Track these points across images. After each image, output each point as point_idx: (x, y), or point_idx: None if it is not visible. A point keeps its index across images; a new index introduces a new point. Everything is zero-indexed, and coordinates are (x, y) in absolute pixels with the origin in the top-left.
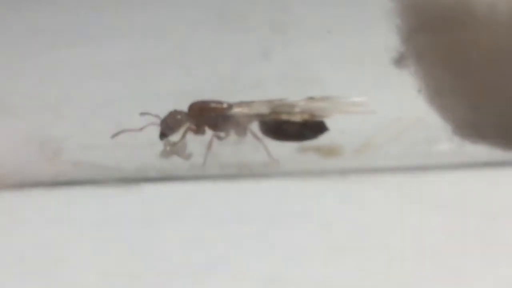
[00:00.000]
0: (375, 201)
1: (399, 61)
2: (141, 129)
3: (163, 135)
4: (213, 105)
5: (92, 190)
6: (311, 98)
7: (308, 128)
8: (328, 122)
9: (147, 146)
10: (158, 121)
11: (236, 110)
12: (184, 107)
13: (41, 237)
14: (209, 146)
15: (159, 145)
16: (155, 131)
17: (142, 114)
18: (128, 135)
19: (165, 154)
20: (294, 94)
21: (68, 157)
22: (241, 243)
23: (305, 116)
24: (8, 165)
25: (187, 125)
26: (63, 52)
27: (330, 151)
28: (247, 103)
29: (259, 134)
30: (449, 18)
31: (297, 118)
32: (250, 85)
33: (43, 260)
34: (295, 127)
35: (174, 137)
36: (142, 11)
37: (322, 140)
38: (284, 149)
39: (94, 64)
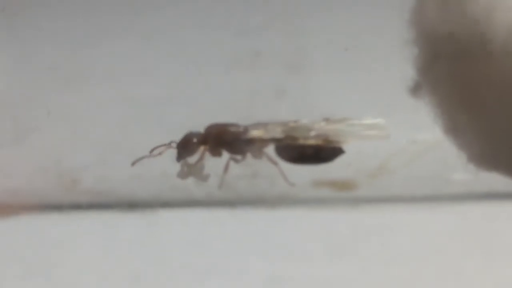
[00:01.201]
0: (389, 232)
1: (415, 90)
2: (160, 153)
3: (180, 157)
4: (229, 128)
5: (108, 216)
6: (326, 119)
7: (325, 152)
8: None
9: (162, 174)
10: (174, 144)
11: (252, 133)
12: None
13: (59, 261)
14: (226, 168)
15: (174, 172)
16: (170, 159)
17: (157, 148)
18: (143, 164)
19: (182, 175)
20: None
21: (85, 186)
22: (252, 272)
23: (320, 141)
24: (26, 192)
25: (203, 147)
26: (81, 85)
27: (344, 186)
28: (263, 125)
29: (275, 157)
30: (465, 50)
31: (312, 142)
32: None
33: (58, 283)
34: (311, 150)
35: (192, 159)
36: (157, 48)
37: (334, 167)
38: (298, 182)
39: (111, 98)
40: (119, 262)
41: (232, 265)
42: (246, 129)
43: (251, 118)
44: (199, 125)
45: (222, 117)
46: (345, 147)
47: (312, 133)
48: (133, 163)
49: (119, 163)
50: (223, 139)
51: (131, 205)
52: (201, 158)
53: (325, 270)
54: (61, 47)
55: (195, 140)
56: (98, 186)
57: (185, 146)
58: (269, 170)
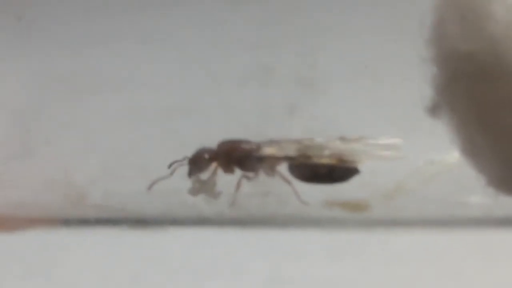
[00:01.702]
0: (402, 255)
1: (433, 110)
2: (171, 174)
3: (191, 173)
4: (242, 145)
5: (115, 231)
6: (341, 138)
7: (339, 171)
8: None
9: (172, 190)
10: (185, 160)
11: (265, 150)
12: None
13: (64, 277)
14: (238, 186)
15: (185, 188)
16: (181, 175)
17: (171, 164)
18: (151, 180)
19: (194, 191)
20: None
21: (92, 202)
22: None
23: (334, 161)
24: (33, 206)
25: (215, 163)
26: (89, 95)
27: (357, 207)
28: (277, 142)
29: (288, 175)
30: (484, 70)
31: (326, 161)
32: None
33: None
34: (326, 170)
35: (204, 175)
36: (170, 60)
37: (348, 187)
38: (310, 201)
39: (120, 110)
40: (125, 280)
41: (239, 285)
42: (259, 146)
43: (262, 134)
44: (210, 139)
45: (234, 132)
46: (360, 166)
47: (326, 152)
48: (149, 188)
49: (128, 178)
50: (235, 156)
51: (139, 221)
52: (213, 175)
53: None
54: (73, 60)
55: (207, 156)
56: (106, 200)
57: (197, 162)
58: (281, 189)
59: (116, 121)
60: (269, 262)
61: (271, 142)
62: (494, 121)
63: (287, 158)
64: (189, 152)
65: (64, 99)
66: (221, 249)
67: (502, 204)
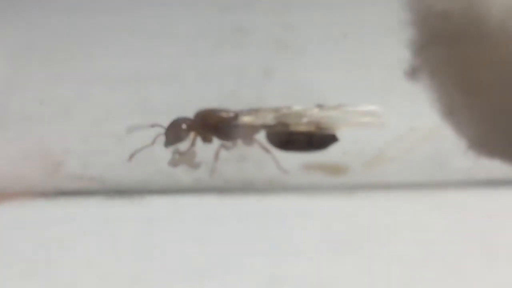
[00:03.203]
0: (385, 220)
1: (412, 74)
2: (152, 143)
3: (169, 143)
4: (219, 113)
5: (93, 202)
6: (319, 106)
7: (317, 139)
8: (339, 135)
9: (150, 159)
10: (162, 130)
11: (243, 119)
12: None
13: (42, 247)
14: (216, 155)
15: (162, 157)
16: (158, 144)
17: (153, 126)
18: (130, 149)
19: (174, 162)
20: None
21: (68, 171)
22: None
23: (312, 128)
24: (8, 177)
25: (193, 133)
26: (63, 65)
27: (335, 169)
28: (254, 111)
29: (266, 144)
30: (461, 33)
31: (304, 129)
32: (252, 103)
33: (41, 268)
34: (304, 137)
35: (183, 146)
36: (142, 25)
37: (329, 155)
38: (288, 166)
39: (95, 78)
40: (105, 251)
41: (219, 253)
42: (237, 114)
43: (238, 98)
44: (185, 106)
45: (209, 97)
46: (338, 134)
47: (304, 120)
48: (130, 158)
49: (105, 147)
50: (213, 125)
51: (118, 191)
52: (192, 145)
53: (315, 260)
54: (43, 30)
55: (184, 126)
56: (84, 171)
57: (174, 132)
58: (258, 155)
59: (91, 90)
60: (248, 229)
61: (249, 111)
62: (474, 82)
63: (265, 126)
64: (166, 119)
65: (38, 69)
66: (200, 217)
67: (484, 166)
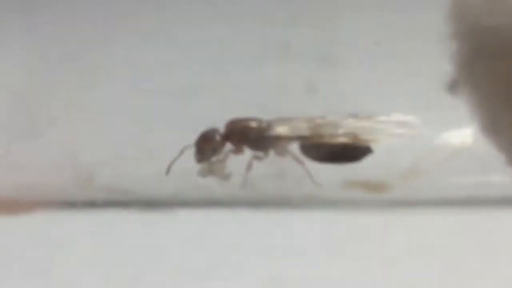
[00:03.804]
0: (420, 237)
1: (452, 87)
2: (181, 154)
3: (203, 157)
4: (252, 123)
5: (124, 214)
6: (353, 116)
7: (352, 150)
8: (375, 147)
9: (182, 171)
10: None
11: (276, 129)
12: None
13: (70, 257)
14: (249, 167)
15: (194, 169)
16: (190, 155)
17: (186, 148)
18: (162, 161)
19: (203, 173)
20: None
21: (100, 184)
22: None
23: (350, 139)
24: (40, 187)
25: (226, 145)
26: (98, 75)
27: (377, 187)
28: (288, 120)
29: (300, 155)
30: (506, 47)
31: (341, 140)
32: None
33: (70, 278)
34: (339, 149)
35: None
36: (184, 36)
37: (363, 169)
38: (326, 182)
39: (130, 89)
40: (134, 264)
41: (250, 266)
42: (270, 124)
43: (280, 113)
44: (225, 119)
45: (251, 111)
46: (374, 146)
47: (340, 131)
48: (167, 173)
49: (137, 159)
50: (246, 135)
51: (149, 203)
52: (223, 156)
53: (348, 273)
54: (79, 40)
55: (218, 137)
56: (114, 182)
57: (209, 145)
58: (296, 170)
59: (125, 101)
60: (281, 242)
61: (282, 121)
62: None
63: (300, 138)
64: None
65: (71, 79)
66: (233, 231)
67: None
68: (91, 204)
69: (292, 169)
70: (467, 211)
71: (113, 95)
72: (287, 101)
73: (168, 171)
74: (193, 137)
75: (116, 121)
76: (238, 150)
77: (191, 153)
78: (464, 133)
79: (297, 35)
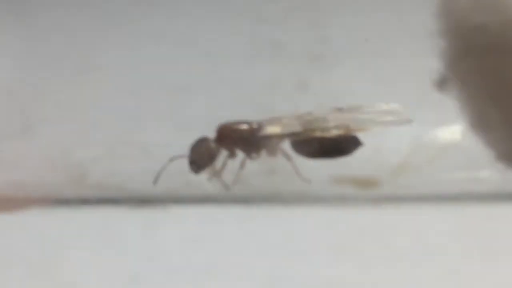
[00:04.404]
0: (410, 232)
1: (441, 84)
2: (168, 164)
3: (201, 167)
4: (243, 126)
5: (117, 211)
6: (339, 109)
7: (341, 144)
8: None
9: (174, 168)
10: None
11: (268, 130)
12: (213, 134)
13: (64, 255)
14: (242, 165)
15: (187, 166)
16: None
17: (173, 159)
18: (154, 158)
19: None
20: None
21: (93, 181)
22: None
23: (341, 131)
24: (33, 184)
25: (220, 152)
26: (91, 73)
27: (366, 183)
28: (278, 119)
29: (290, 152)
30: (496, 46)
31: (331, 133)
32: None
33: (62, 279)
34: (328, 143)
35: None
36: (175, 34)
37: (357, 166)
38: (316, 179)
39: (122, 87)
40: (127, 260)
41: (244, 263)
42: (261, 125)
43: (271, 110)
44: (216, 117)
45: (242, 109)
46: (366, 136)
47: (331, 124)
48: (155, 182)
49: (130, 156)
50: (238, 139)
51: (141, 200)
52: (225, 164)
53: (341, 269)
54: (71, 38)
55: (212, 144)
56: (107, 180)
57: (206, 153)
58: (286, 166)
59: (118, 99)
60: (272, 238)
61: (273, 120)
62: (505, 94)
63: (292, 135)
64: (193, 131)
65: (64, 77)
66: (225, 228)
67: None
68: (84, 201)
69: (282, 165)
70: (456, 207)
71: (105, 93)
72: (278, 99)
73: (156, 180)
74: (184, 134)
75: (108, 119)
76: (231, 154)
77: (182, 151)
78: (453, 129)
79: (288, 33)
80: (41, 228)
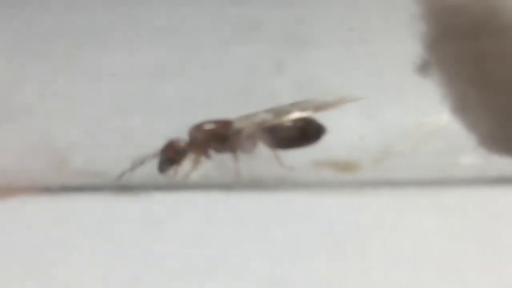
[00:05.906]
0: (393, 216)
1: (423, 68)
2: (142, 163)
3: (167, 167)
4: (213, 125)
5: (98, 197)
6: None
7: (306, 132)
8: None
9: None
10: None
11: (237, 125)
12: (192, 118)
13: (46, 243)
14: (237, 159)
15: None
16: (164, 140)
17: (154, 156)
18: (137, 145)
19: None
20: None
21: (73, 166)
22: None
23: (306, 113)
24: (12, 172)
25: (191, 154)
26: (68, 59)
27: (347, 167)
28: (246, 116)
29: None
30: (475, 28)
31: (299, 115)
32: (263, 98)
33: (46, 264)
34: (293, 132)
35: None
36: (151, 19)
37: (339, 152)
38: (298, 163)
39: (100, 73)
40: (110, 247)
41: (225, 250)
42: (230, 123)
43: (249, 93)
44: (194, 101)
45: (218, 92)
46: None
47: (295, 108)
48: (119, 178)
49: (111, 143)
50: (210, 138)
51: (123, 187)
52: (195, 166)
53: (323, 259)
54: (53, 26)
55: (182, 145)
56: (89, 166)
57: (172, 155)
58: (267, 151)
59: (96, 85)
60: (256, 225)
61: (242, 117)
62: (486, 78)
63: (263, 123)
64: (173, 112)
65: (42, 63)
66: (208, 213)
67: (494, 163)
68: (66, 188)
69: (263, 151)
70: (439, 192)
71: (85, 79)
72: (256, 82)
73: (119, 178)
74: (164, 119)
75: (89, 105)
76: (206, 155)
77: (164, 137)
78: (435, 115)
79: (266, 15)
80: (23, 215)
